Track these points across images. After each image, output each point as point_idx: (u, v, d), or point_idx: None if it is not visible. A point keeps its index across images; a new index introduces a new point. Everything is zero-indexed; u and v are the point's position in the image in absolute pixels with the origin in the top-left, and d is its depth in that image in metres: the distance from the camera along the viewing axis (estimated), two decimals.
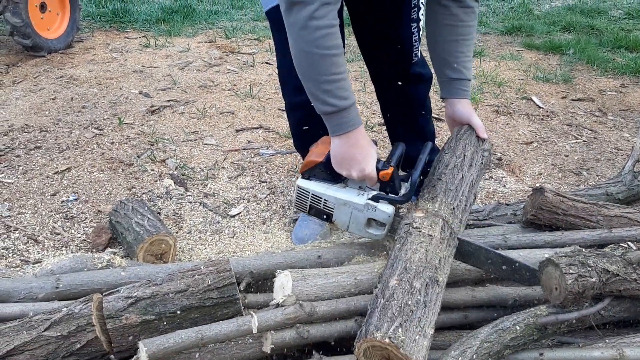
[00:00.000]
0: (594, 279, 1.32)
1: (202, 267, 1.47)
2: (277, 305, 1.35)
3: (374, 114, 3.35)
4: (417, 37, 1.97)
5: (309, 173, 1.63)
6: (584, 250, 1.41)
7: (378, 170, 1.51)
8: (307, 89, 1.48)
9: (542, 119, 3.37)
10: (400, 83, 2.08)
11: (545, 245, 1.66)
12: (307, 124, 1.96)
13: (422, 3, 1.92)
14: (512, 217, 2.01)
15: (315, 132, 2.01)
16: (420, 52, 2.06)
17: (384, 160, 1.56)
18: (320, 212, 1.64)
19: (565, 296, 1.31)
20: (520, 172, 2.73)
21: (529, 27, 5.29)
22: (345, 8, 1.95)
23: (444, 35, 1.68)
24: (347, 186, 1.62)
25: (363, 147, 1.51)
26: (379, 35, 1.97)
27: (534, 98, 3.65)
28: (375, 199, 1.55)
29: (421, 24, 1.96)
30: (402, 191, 1.58)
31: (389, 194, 1.55)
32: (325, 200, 1.61)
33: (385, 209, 1.55)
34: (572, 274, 1.30)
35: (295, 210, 1.77)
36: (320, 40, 1.39)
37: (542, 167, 2.79)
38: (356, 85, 3.76)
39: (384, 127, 3.17)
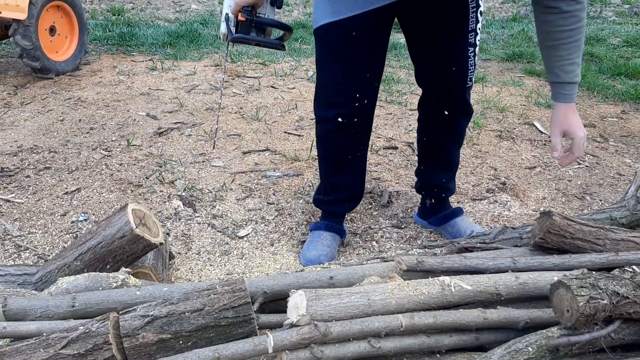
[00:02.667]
0: (605, 301, 1.34)
1: (217, 286, 1.49)
2: (292, 325, 1.37)
3: (379, 137, 3.40)
4: (472, 61, 2.01)
5: None
6: (593, 273, 1.43)
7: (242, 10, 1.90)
8: None
9: (545, 144, 3.42)
10: (446, 112, 2.10)
11: (554, 268, 1.68)
12: (330, 136, 2.09)
13: (479, 29, 1.97)
14: (519, 240, 2.03)
15: (337, 145, 2.11)
16: (473, 83, 2.09)
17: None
18: None
19: (577, 318, 1.33)
20: (524, 196, 2.76)
21: (529, 54, 5.38)
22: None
23: (543, 41, 1.78)
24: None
25: None
26: (435, 53, 1.99)
27: (536, 123, 3.70)
28: (227, 17, 1.95)
29: (477, 50, 2.01)
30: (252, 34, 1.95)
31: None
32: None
33: (222, 26, 1.97)
34: (583, 296, 1.32)
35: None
36: None
37: (545, 192, 2.82)
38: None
39: (389, 151, 3.22)
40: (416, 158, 3.08)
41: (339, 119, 2.03)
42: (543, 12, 1.73)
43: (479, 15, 1.95)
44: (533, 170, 3.05)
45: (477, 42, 2.00)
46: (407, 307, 1.44)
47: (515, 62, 5.22)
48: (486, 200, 2.70)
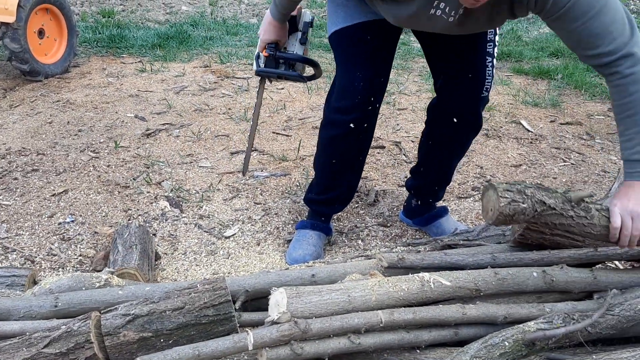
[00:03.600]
0: (525, 205, 1.46)
1: (198, 285, 1.51)
2: (273, 322, 1.38)
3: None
4: (490, 71, 1.97)
5: None
6: (526, 182, 1.50)
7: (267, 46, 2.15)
8: None
9: (531, 143, 3.44)
10: (455, 120, 2.06)
11: (533, 264, 1.69)
12: (337, 141, 2.10)
13: (497, 40, 1.96)
14: (502, 237, 2.05)
15: (342, 149, 2.11)
16: (487, 93, 2.05)
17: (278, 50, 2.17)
18: None
19: (497, 217, 1.47)
20: None
21: (518, 52, 5.41)
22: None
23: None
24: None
25: (266, 24, 2.12)
26: (451, 60, 1.98)
27: (523, 122, 3.73)
28: (257, 56, 2.22)
29: (495, 61, 1.97)
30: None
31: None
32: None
33: (254, 64, 2.22)
34: (506, 198, 1.46)
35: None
36: None
37: None
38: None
39: (376, 150, 3.24)
40: (403, 157, 3.11)
41: (351, 125, 2.02)
42: (605, 79, 1.60)
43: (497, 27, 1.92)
44: (519, 168, 3.08)
45: (495, 53, 1.97)
46: (387, 304, 1.45)
47: (503, 61, 5.25)
48: (471, 199, 2.72)
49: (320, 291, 1.46)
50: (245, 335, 1.33)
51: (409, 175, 2.44)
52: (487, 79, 1.98)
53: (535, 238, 1.75)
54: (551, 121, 3.81)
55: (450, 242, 1.97)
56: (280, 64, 2.19)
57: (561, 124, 3.79)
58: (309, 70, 2.25)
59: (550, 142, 3.47)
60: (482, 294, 1.54)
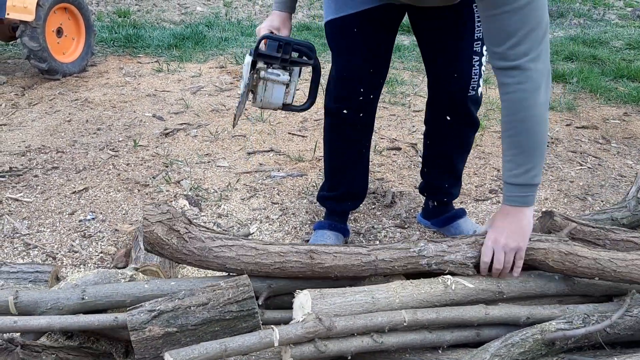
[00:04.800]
0: None
1: (222, 282, 1.53)
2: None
3: (382, 138, 3.43)
4: (477, 70, 1.96)
5: None
6: None
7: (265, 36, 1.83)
8: None
9: (547, 146, 3.44)
10: (448, 118, 2.08)
11: None
12: (335, 129, 2.16)
13: None
14: None
15: (341, 138, 2.16)
16: (481, 95, 2.05)
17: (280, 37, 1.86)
18: None
19: None
20: None
21: None
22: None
23: None
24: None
25: (272, 18, 1.95)
26: (437, 58, 2.00)
27: None
28: (250, 52, 1.82)
29: (484, 59, 1.95)
30: (279, 74, 1.83)
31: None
32: None
33: (246, 58, 1.81)
34: None
35: None
36: None
37: (547, 193, 2.85)
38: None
39: (392, 152, 3.25)
40: (419, 159, 3.12)
41: (344, 111, 2.07)
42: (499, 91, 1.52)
43: None
44: None
45: (485, 52, 1.95)
46: (410, 306, 1.47)
47: None
48: (489, 201, 2.72)
49: (344, 293, 1.47)
50: (271, 331, 1.35)
51: (420, 180, 2.46)
52: (474, 78, 1.96)
53: None
54: (567, 125, 3.81)
55: None
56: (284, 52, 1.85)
57: (577, 127, 3.78)
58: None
59: (566, 146, 3.47)
60: (505, 296, 1.54)
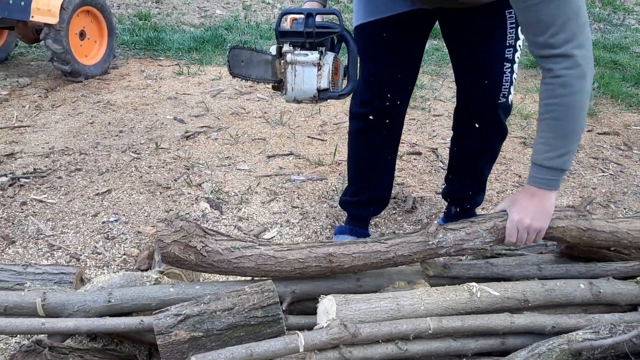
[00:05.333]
0: None
1: (246, 287, 1.54)
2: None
3: (402, 143, 3.41)
4: (508, 77, 1.94)
5: None
6: None
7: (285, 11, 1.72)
8: None
9: None
10: (477, 125, 2.05)
11: (579, 276, 1.69)
12: (361, 134, 2.14)
13: (519, 46, 1.91)
14: (543, 247, 2.05)
15: (367, 144, 2.15)
16: (512, 103, 2.04)
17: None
18: None
19: None
20: None
21: None
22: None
23: None
24: None
25: (307, 4, 1.90)
26: (468, 65, 1.99)
27: None
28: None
29: (515, 66, 1.93)
30: (308, 53, 1.68)
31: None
32: None
33: (273, 46, 1.71)
34: None
35: None
36: None
37: (570, 199, 2.82)
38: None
39: (413, 157, 3.24)
40: (440, 164, 3.11)
41: (370, 117, 2.07)
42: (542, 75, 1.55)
43: (519, 31, 1.89)
44: None
45: (516, 59, 1.93)
46: (435, 313, 1.47)
47: (539, 69, 5.21)
48: None
49: (369, 299, 1.47)
50: (296, 337, 1.36)
51: (444, 184, 2.44)
52: (504, 85, 1.94)
53: (582, 250, 1.74)
54: (588, 131, 3.77)
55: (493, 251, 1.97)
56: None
57: (598, 133, 3.75)
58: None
59: (588, 152, 3.44)
60: (530, 304, 1.54)
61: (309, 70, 1.67)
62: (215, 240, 1.57)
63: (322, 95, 1.72)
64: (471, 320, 1.45)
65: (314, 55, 1.66)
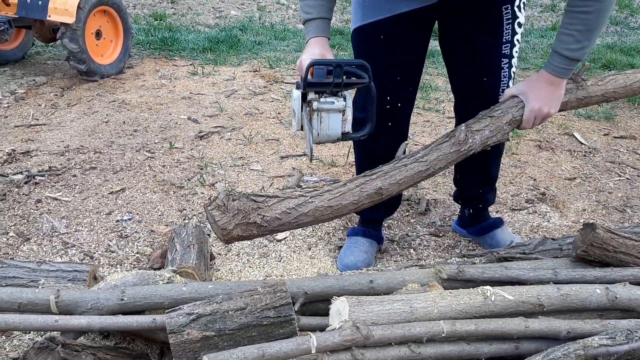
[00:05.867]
0: None
1: (259, 287, 1.53)
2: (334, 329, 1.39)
3: (416, 144, 3.40)
4: (506, 72, 1.97)
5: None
6: None
7: (315, 62, 1.63)
8: None
9: (585, 156, 3.38)
10: None
11: (595, 281, 1.66)
12: (367, 138, 2.02)
13: (517, 40, 1.94)
14: (558, 251, 2.02)
15: (372, 148, 2.13)
16: None
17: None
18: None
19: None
20: (564, 207, 2.73)
21: None
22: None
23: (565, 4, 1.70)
24: None
25: (312, 48, 1.77)
26: (466, 64, 2.00)
27: (576, 134, 3.66)
28: (297, 86, 1.67)
29: (514, 61, 1.96)
30: (334, 101, 1.67)
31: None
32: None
33: (294, 93, 1.67)
34: None
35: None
36: None
37: (585, 204, 2.79)
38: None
39: None
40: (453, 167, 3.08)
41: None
42: None
43: (516, 26, 1.92)
44: (573, 182, 3.02)
45: (515, 54, 1.96)
46: (449, 316, 1.45)
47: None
48: (525, 211, 2.68)
49: (382, 301, 1.46)
50: (309, 338, 1.35)
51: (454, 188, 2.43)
52: (503, 80, 1.98)
53: (598, 255, 1.72)
54: (605, 134, 3.73)
55: (507, 254, 1.95)
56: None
57: (615, 137, 3.71)
58: None
59: (604, 156, 3.40)
60: (545, 309, 1.51)
61: (335, 117, 1.68)
62: (269, 207, 1.60)
63: (344, 137, 1.74)
64: (485, 324, 1.43)
65: (340, 103, 1.67)
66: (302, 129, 1.73)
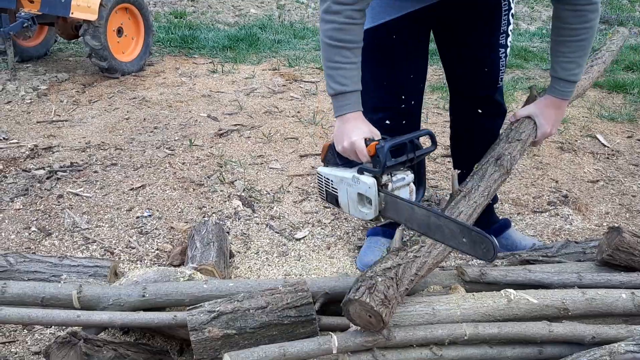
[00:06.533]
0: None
1: (280, 286, 1.53)
2: (357, 325, 1.39)
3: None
4: (503, 62, 2.04)
5: (325, 159, 1.76)
6: None
7: (367, 143, 1.56)
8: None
9: (608, 158, 3.33)
10: (480, 111, 2.12)
11: (621, 286, 1.64)
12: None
13: (510, 30, 2.01)
14: (582, 255, 1.99)
15: None
16: (502, 82, 2.12)
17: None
18: (331, 195, 1.72)
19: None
20: (587, 210, 2.70)
21: None
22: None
23: (552, 35, 1.80)
24: (351, 167, 1.67)
25: (354, 123, 1.63)
26: (467, 56, 2.03)
27: (599, 136, 3.61)
28: (360, 171, 1.59)
29: (508, 51, 2.04)
30: (404, 176, 1.62)
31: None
32: (331, 180, 1.71)
33: (366, 180, 1.56)
34: None
35: (319, 198, 1.84)
36: (329, 32, 1.58)
37: (609, 207, 2.75)
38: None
39: (447, 159, 3.20)
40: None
41: (387, 122, 2.04)
42: (558, 5, 1.73)
43: (510, 17, 1.99)
44: (596, 184, 2.98)
45: (509, 44, 2.03)
46: (472, 319, 1.44)
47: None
48: (547, 213, 2.65)
49: (404, 302, 1.45)
50: (330, 338, 1.34)
51: None
52: (501, 69, 2.05)
53: (624, 259, 1.69)
54: (628, 137, 3.67)
55: (529, 257, 1.93)
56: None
57: (638, 139, 3.64)
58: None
59: (627, 159, 3.35)
60: (570, 313, 1.50)
61: (405, 190, 1.64)
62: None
63: None
64: (508, 328, 1.42)
65: (410, 177, 1.64)
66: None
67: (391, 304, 1.32)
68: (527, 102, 2.05)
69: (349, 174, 1.63)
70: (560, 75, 1.81)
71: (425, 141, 1.75)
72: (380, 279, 1.35)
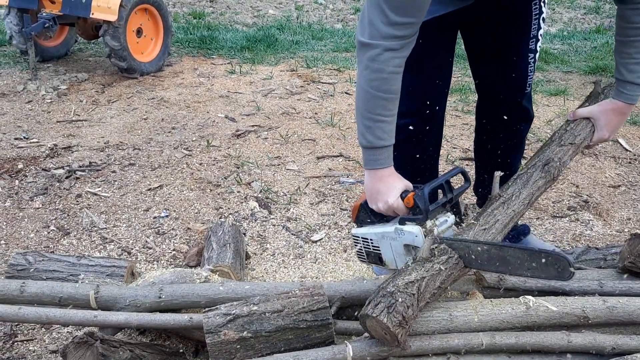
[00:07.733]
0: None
1: (296, 290, 1.52)
2: (372, 336, 1.37)
3: (454, 148, 3.35)
4: (532, 67, 1.99)
5: (358, 219, 1.71)
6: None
7: (402, 199, 1.54)
8: (356, 116, 1.60)
9: (630, 163, 3.27)
10: (505, 117, 2.08)
11: None
12: (403, 144, 1.97)
13: (540, 35, 1.96)
14: (602, 261, 1.96)
15: (408, 154, 2.07)
16: (531, 88, 2.07)
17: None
18: (373, 255, 1.68)
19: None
20: (608, 216, 2.65)
21: (613, 67, 5.17)
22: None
23: (616, 35, 1.71)
24: (388, 222, 1.64)
25: (388, 181, 1.59)
26: (495, 61, 2.00)
27: (621, 140, 3.55)
28: (402, 222, 1.57)
29: (537, 56, 1.99)
30: (447, 218, 1.59)
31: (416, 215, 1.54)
32: (370, 240, 1.66)
33: (411, 229, 1.54)
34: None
35: (359, 260, 1.80)
36: (375, 82, 1.50)
37: (630, 212, 2.70)
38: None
39: (465, 162, 3.17)
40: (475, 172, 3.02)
41: (410, 127, 2.01)
42: (621, 7, 1.65)
43: (541, 21, 1.94)
44: (617, 189, 2.93)
45: (538, 48, 1.98)
46: (490, 325, 1.42)
47: (598, 75, 5.03)
48: (567, 218, 2.61)
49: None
50: (344, 347, 1.33)
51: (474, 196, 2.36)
52: (529, 75, 2.00)
53: None
54: None
55: None
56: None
57: None
58: None
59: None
60: (590, 321, 1.47)
61: (449, 233, 1.62)
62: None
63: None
64: (526, 338, 1.40)
65: (452, 217, 1.63)
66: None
67: (408, 324, 1.30)
68: (589, 98, 1.94)
69: (389, 227, 1.60)
70: (627, 78, 1.72)
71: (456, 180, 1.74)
72: (400, 299, 1.31)
